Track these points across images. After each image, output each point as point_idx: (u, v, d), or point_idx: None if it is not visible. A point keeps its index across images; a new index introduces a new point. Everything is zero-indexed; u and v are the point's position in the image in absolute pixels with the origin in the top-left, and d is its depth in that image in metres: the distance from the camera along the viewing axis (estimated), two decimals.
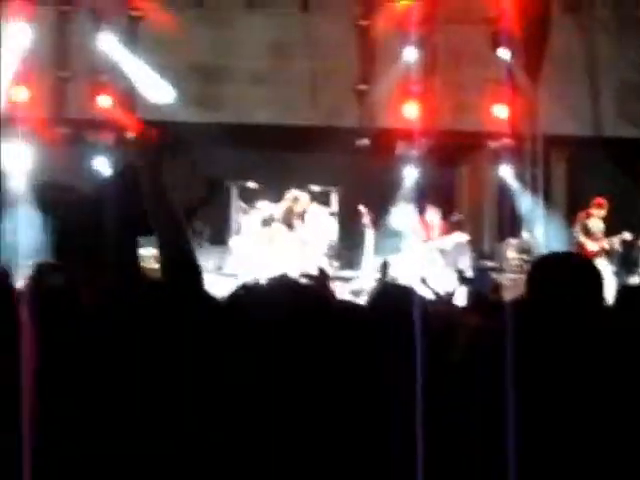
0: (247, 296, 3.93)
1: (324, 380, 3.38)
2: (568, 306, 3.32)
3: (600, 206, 14.95)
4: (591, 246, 14.85)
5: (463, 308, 7.90)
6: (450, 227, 15.30)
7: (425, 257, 14.95)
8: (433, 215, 15.20)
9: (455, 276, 13.96)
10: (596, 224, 15.03)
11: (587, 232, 14.97)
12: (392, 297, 4.09)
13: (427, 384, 3.38)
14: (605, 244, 15.03)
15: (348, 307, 4.23)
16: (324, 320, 3.58)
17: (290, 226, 14.97)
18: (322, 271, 11.52)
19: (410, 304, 3.87)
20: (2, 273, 2.72)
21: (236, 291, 4.14)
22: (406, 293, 4.12)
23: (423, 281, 12.48)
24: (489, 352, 3.46)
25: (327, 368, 3.45)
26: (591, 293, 3.40)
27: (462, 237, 15.43)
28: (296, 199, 15.06)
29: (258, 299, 3.73)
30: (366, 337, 3.73)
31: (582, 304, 3.34)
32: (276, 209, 15.10)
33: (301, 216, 15.02)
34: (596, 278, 3.45)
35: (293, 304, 3.55)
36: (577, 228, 15.08)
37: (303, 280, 8.82)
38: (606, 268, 14.93)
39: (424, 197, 16.84)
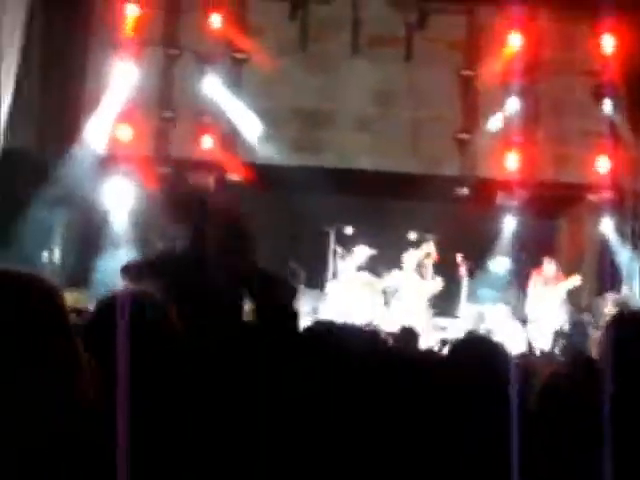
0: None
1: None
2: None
3: None
4: None
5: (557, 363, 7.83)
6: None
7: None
8: (550, 267, 15.07)
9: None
10: None
11: None
12: (474, 349, 4.02)
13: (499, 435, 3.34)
14: None
15: (424, 357, 4.23)
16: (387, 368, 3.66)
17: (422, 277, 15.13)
18: (410, 330, 11.55)
19: (492, 357, 3.82)
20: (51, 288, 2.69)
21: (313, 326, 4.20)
22: (490, 346, 4.04)
23: (524, 322, 12.43)
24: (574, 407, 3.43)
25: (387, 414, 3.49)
26: None
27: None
28: (429, 254, 15.23)
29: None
30: (440, 389, 3.71)
31: None
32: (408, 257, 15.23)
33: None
34: None
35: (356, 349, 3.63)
36: None
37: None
38: None
39: (523, 249, 16.75)
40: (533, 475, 3.28)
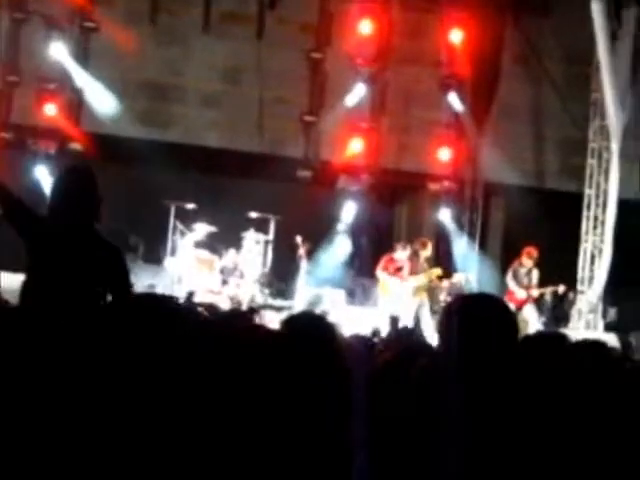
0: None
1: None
2: (477, 347, 3.34)
3: (530, 255, 15.08)
4: (519, 294, 14.98)
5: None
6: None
7: (398, 295, 14.96)
8: (402, 254, 15.14)
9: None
10: (526, 273, 15.16)
11: (517, 280, 15.11)
12: (301, 324, 4.05)
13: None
14: (534, 292, 15.18)
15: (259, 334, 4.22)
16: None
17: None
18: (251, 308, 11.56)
19: (318, 331, 3.85)
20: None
21: None
22: (316, 321, 4.07)
23: (394, 320, 12.52)
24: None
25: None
26: (502, 335, 3.42)
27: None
28: (424, 244, 15.19)
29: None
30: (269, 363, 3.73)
31: (493, 345, 3.36)
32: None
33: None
34: (507, 321, 3.46)
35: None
36: (509, 275, 15.21)
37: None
38: (532, 315, 15.08)
39: (363, 233, 16.96)
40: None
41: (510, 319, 3.52)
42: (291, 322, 3.98)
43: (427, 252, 15.25)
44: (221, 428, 3.35)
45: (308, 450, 3.32)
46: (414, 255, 15.11)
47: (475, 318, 3.42)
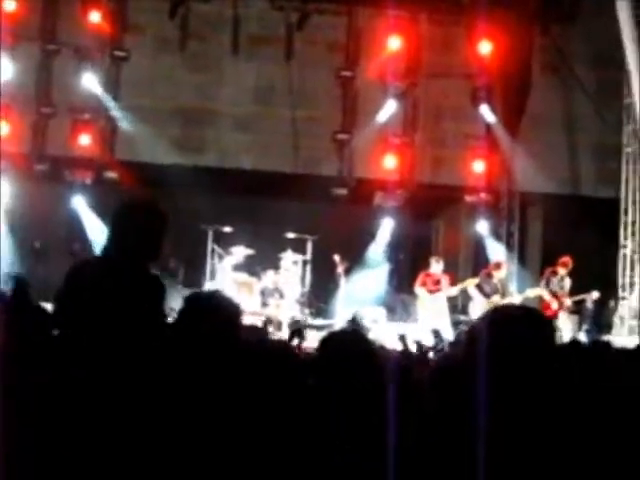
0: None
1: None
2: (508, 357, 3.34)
3: (565, 265, 15.01)
4: (553, 304, 14.89)
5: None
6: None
7: (435, 309, 14.98)
8: (437, 267, 15.17)
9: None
10: (559, 282, 15.09)
11: (549, 289, 15.04)
12: (338, 342, 4.06)
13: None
14: (567, 301, 15.11)
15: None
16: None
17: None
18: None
19: (356, 348, 3.86)
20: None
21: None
22: (353, 338, 4.08)
23: (402, 338, 12.48)
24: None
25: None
26: (539, 347, 3.41)
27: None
28: (498, 266, 15.28)
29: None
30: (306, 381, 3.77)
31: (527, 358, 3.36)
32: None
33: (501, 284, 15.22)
34: (543, 331, 3.45)
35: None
36: (541, 286, 15.15)
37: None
38: (566, 324, 14.98)
39: (401, 249, 16.95)
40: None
41: (549, 333, 3.51)
42: (330, 339, 4.02)
43: (501, 274, 15.29)
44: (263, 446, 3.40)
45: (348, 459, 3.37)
46: (487, 277, 15.15)
47: (510, 331, 3.42)
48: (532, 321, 3.46)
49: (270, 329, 12.97)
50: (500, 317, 3.49)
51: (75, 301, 5.01)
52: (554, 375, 3.40)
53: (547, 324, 3.51)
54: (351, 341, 3.93)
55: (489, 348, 3.36)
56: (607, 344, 5.61)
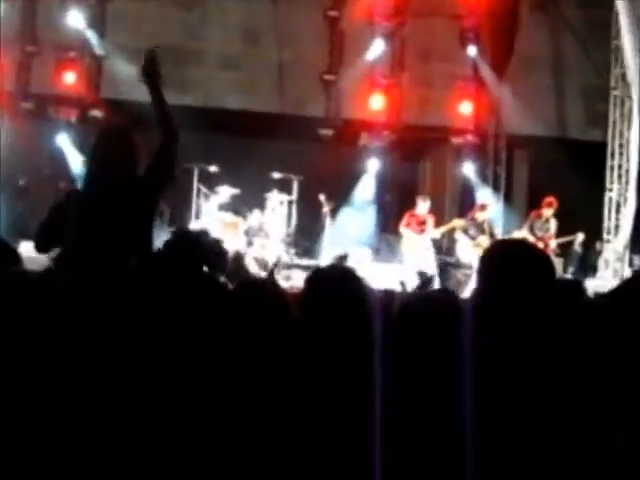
0: None
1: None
2: (513, 292, 3.34)
3: (550, 205, 15.02)
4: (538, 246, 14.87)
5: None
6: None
7: (419, 250, 14.99)
8: (423, 208, 15.13)
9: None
10: (544, 224, 15.11)
11: (533, 232, 15.06)
12: (325, 276, 4.05)
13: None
14: (552, 243, 15.14)
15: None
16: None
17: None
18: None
19: (343, 284, 3.86)
20: None
21: None
22: (341, 274, 4.08)
23: (402, 284, 12.49)
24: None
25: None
26: (542, 279, 3.41)
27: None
28: (483, 207, 15.25)
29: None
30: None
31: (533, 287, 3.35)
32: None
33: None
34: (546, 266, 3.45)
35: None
36: (525, 229, 15.17)
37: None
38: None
39: (387, 190, 16.93)
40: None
41: (549, 265, 3.51)
42: (317, 275, 4.01)
43: (487, 214, 15.40)
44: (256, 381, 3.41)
45: (336, 396, 3.37)
46: (472, 219, 15.15)
47: (517, 262, 3.42)
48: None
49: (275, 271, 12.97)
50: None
51: (62, 230, 5.12)
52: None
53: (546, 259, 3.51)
54: (339, 275, 3.94)
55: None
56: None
